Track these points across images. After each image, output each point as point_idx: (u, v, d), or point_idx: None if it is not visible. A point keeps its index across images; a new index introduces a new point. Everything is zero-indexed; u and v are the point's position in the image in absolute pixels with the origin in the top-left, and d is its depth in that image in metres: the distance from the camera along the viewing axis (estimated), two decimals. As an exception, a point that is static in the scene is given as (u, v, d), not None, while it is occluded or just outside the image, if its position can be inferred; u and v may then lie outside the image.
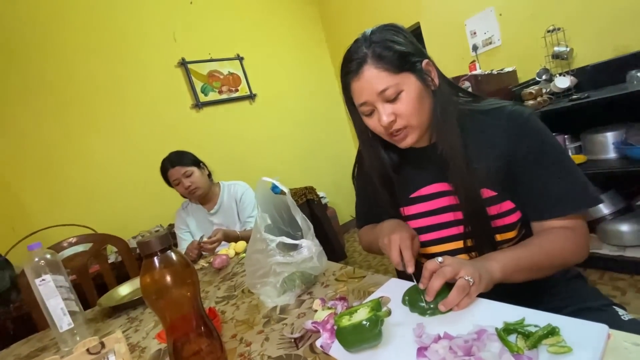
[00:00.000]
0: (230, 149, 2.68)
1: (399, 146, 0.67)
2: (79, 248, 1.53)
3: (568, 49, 1.78)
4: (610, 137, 1.61)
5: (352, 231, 3.30)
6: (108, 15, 2.29)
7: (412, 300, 0.55)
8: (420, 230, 0.73)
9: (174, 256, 0.52)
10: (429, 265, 0.55)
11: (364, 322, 0.48)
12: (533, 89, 1.75)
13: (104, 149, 2.24)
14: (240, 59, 2.76)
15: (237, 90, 2.72)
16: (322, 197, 2.71)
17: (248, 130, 2.80)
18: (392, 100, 0.61)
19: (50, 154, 2.09)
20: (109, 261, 1.80)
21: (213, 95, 2.60)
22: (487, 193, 0.65)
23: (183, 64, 2.50)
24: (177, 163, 1.46)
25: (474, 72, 1.99)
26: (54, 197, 2.09)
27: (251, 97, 2.80)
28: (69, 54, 2.16)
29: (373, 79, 0.61)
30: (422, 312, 0.53)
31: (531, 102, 1.72)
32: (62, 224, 1.89)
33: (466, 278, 0.51)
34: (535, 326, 0.43)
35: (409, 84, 0.61)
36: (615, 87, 1.60)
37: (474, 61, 2.23)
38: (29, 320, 1.49)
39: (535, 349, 0.39)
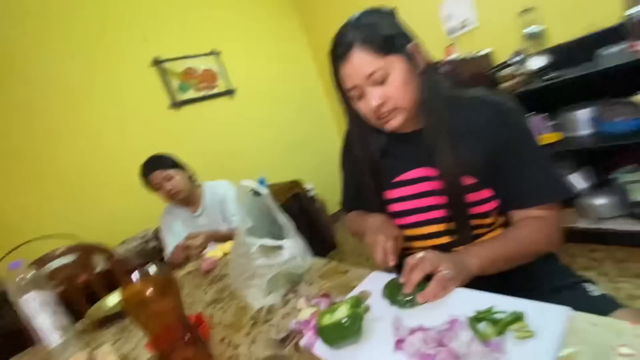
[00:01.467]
0: (212, 147, 2.64)
1: (386, 129, 0.68)
2: (66, 259, 1.51)
3: (542, 28, 1.80)
4: (584, 114, 1.66)
5: (341, 221, 3.34)
6: (76, 15, 2.19)
7: (391, 293, 0.57)
8: (402, 214, 0.75)
9: (153, 270, 0.52)
10: (410, 260, 0.58)
11: (344, 320, 0.50)
12: (508, 71, 1.78)
13: (83, 154, 2.18)
14: (216, 54, 2.69)
15: (215, 87, 2.66)
16: (309, 190, 2.72)
17: (230, 127, 2.75)
18: (380, 83, 0.62)
19: (26, 162, 2.02)
20: (98, 269, 1.78)
21: (191, 93, 2.54)
22: (467, 180, 0.67)
23: (157, 62, 2.43)
24: (156, 167, 1.44)
25: (449, 58, 2.00)
26: (37, 207, 2.04)
27: (230, 92, 2.75)
28: (39, 57, 2.06)
29: (361, 62, 0.62)
30: (401, 304, 0.55)
31: (508, 83, 1.75)
32: (47, 235, 1.84)
33: (445, 272, 0.54)
34: (503, 312, 0.45)
35: (396, 66, 0.62)
36: (587, 65, 1.63)
37: (451, 44, 2.24)
38: (23, 334, 1.47)
39: (502, 335, 0.42)
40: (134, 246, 1.92)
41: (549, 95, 1.78)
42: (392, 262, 0.62)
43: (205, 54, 2.65)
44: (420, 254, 0.57)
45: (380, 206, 0.77)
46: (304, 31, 3.34)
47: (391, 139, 0.75)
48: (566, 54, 1.79)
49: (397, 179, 0.75)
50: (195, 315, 0.73)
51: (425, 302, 0.53)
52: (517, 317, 0.43)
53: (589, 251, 1.64)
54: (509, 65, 1.86)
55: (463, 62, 1.90)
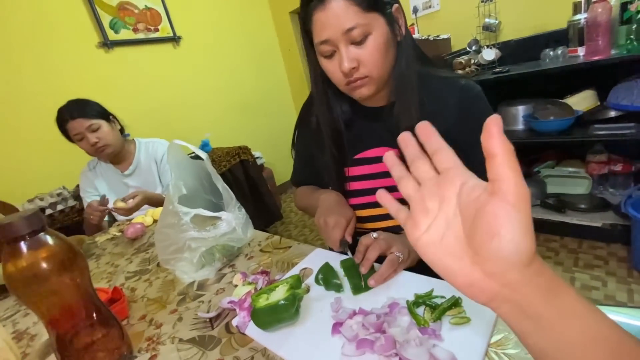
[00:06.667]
0: (148, 100, 2.35)
1: (354, 96, 0.62)
2: (-48, 214, 1.25)
3: (497, 22, 1.86)
4: (520, 110, 1.78)
5: (289, 191, 3.30)
6: None
7: (326, 278, 0.55)
8: (360, 193, 0.72)
9: (49, 240, 0.42)
10: (364, 240, 0.56)
11: (281, 302, 0.46)
12: (463, 59, 1.82)
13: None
14: (160, -9, 2.33)
15: (157, 30, 2.32)
16: (257, 157, 2.61)
17: (171, 79, 2.46)
18: (357, 42, 0.55)
19: None
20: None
21: (126, 34, 2.19)
22: None
23: (84, -11, 2.02)
24: (78, 114, 1.22)
25: (413, 36, 1.98)
26: None
27: (175, 39, 2.43)
28: None
29: (341, 13, 0.53)
30: (337, 288, 0.53)
31: (460, 71, 1.79)
32: None
33: (397, 254, 0.53)
34: (442, 297, 0.45)
35: (378, 27, 0.55)
36: (531, 64, 1.74)
37: (412, 24, 2.22)
38: None
39: (439, 321, 0.42)
40: (48, 204, 1.67)
41: (495, 88, 1.88)
42: (349, 240, 0.59)
43: (146, -11, 2.28)
44: (374, 234, 0.56)
45: (338, 182, 0.72)
46: (264, -17, 3.06)
47: (356, 112, 0.70)
48: (515, 50, 1.88)
49: (357, 156, 0.71)
50: (112, 289, 0.64)
51: (363, 289, 0.52)
52: (455, 303, 0.43)
53: (545, 241, 1.70)
54: (467, 52, 1.90)
55: (424, 43, 1.90)
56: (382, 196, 0.32)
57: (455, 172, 0.26)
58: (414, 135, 0.29)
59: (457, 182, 0.25)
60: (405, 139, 0.29)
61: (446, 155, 0.27)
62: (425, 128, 0.28)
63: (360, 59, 0.56)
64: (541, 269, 0.23)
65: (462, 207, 0.25)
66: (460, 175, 0.26)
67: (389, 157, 0.31)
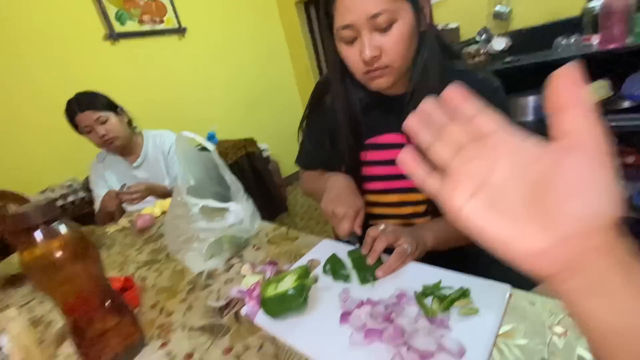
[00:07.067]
0: (155, 92, 2.35)
1: (371, 86, 0.60)
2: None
3: (508, 9, 1.81)
4: (531, 101, 1.75)
5: (295, 184, 3.31)
6: None
7: (334, 269, 0.55)
8: (370, 179, 0.71)
9: (63, 229, 0.43)
10: (372, 232, 0.56)
11: (290, 292, 0.46)
12: (472, 49, 1.78)
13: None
14: (165, -18, 2.32)
15: (162, 22, 2.31)
16: (263, 150, 2.61)
17: (177, 71, 2.45)
18: (382, 30, 0.53)
19: None
20: (11, 219, 1.55)
21: (132, 25, 2.19)
22: None
23: (89, -20, 2.02)
24: (87, 107, 1.23)
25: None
26: None
27: (180, 30, 2.42)
28: None
29: None
30: (345, 279, 0.53)
31: (469, 61, 1.76)
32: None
33: (405, 246, 0.53)
34: (450, 288, 0.45)
35: (405, 14, 0.53)
36: (544, 53, 1.69)
37: (422, 13, 2.18)
38: None
39: (448, 311, 0.42)
40: (59, 196, 1.70)
41: (506, 78, 1.84)
42: (359, 232, 0.59)
43: (151, -20, 2.26)
44: (381, 227, 0.56)
45: (352, 167, 0.71)
46: (270, -28, 3.01)
47: (372, 98, 0.68)
48: (527, 39, 1.83)
49: (369, 141, 0.70)
50: (123, 278, 0.65)
51: (370, 281, 0.52)
52: (463, 294, 0.43)
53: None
54: (476, 42, 1.87)
55: (432, 32, 1.86)
56: (406, 159, 0.26)
57: (504, 132, 0.22)
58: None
59: (510, 140, 0.22)
60: (427, 107, 0.25)
61: (488, 118, 0.23)
62: (456, 92, 0.24)
63: (383, 48, 0.54)
64: (619, 240, 0.19)
65: (522, 166, 0.21)
66: (511, 134, 0.22)
67: (412, 123, 0.26)
